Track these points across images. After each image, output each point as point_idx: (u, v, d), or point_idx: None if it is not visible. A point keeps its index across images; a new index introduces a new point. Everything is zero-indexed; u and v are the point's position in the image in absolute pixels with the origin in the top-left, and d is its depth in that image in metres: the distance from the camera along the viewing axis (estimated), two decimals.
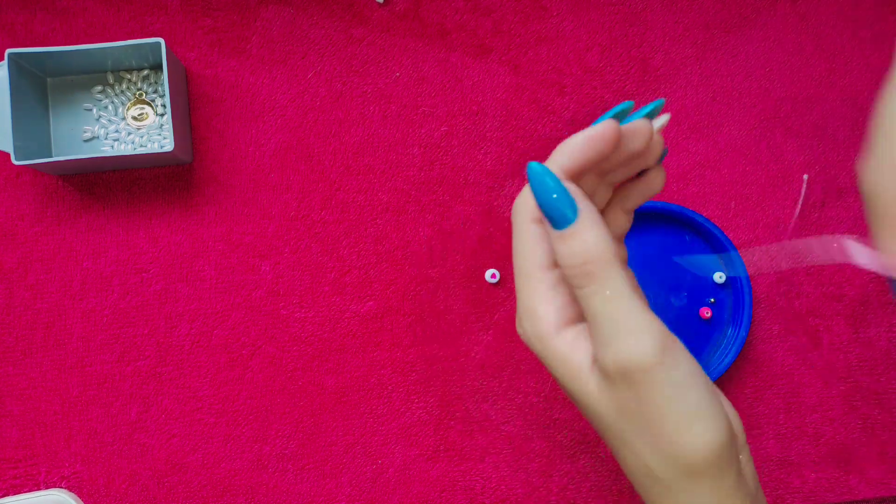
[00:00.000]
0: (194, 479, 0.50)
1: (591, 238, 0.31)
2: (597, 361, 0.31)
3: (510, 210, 0.52)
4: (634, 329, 0.30)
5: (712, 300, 0.52)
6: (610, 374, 0.31)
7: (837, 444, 0.52)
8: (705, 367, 0.51)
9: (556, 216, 0.31)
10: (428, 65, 0.53)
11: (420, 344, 0.52)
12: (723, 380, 0.52)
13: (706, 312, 0.51)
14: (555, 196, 0.31)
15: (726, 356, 0.50)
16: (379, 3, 0.53)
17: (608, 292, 0.30)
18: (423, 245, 0.52)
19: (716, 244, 0.51)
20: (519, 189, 0.52)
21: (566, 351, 0.32)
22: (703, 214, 0.52)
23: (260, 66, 0.52)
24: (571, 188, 0.31)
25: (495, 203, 0.52)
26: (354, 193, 0.52)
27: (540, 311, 0.33)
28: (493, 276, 0.52)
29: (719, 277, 0.51)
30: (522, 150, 0.53)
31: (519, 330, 0.34)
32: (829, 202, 0.53)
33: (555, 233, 0.31)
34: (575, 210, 0.31)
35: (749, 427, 0.52)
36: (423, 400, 0.51)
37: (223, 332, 0.51)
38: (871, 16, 0.54)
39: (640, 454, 0.31)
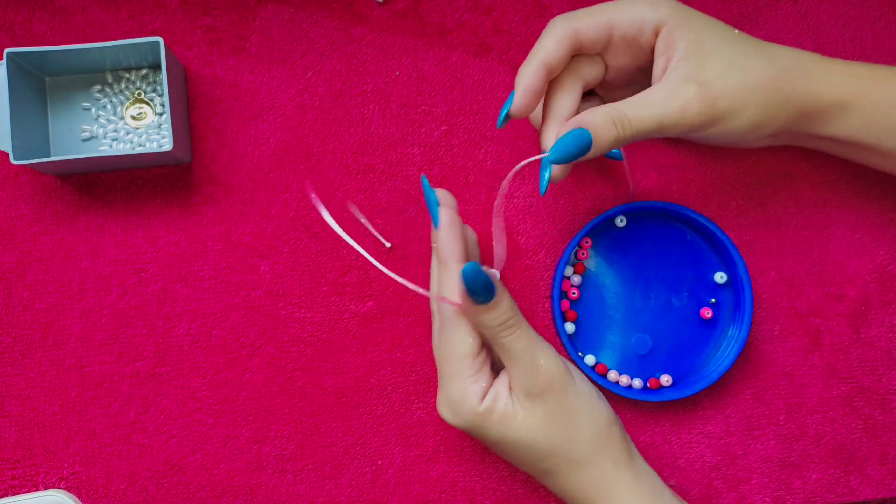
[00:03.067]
0: (193, 480, 0.50)
1: (507, 302, 0.42)
2: (518, 391, 0.42)
3: (511, 211, 0.52)
4: (546, 353, 0.42)
5: (713, 300, 0.51)
6: (536, 392, 0.42)
7: (838, 445, 0.52)
8: (706, 367, 0.51)
9: (486, 297, 0.41)
10: (428, 64, 0.53)
11: (420, 344, 0.51)
12: (724, 380, 0.51)
13: (707, 312, 0.51)
14: (485, 285, 0.40)
15: (727, 356, 0.50)
16: (378, 2, 0.53)
17: (524, 333, 0.42)
18: (424, 245, 0.52)
19: (716, 244, 0.51)
20: (520, 189, 0.52)
21: (491, 408, 0.42)
22: (704, 214, 0.52)
23: (259, 65, 0.52)
24: (487, 271, 0.41)
25: (495, 203, 0.52)
26: (354, 193, 0.52)
27: (469, 391, 0.42)
28: (493, 276, 0.51)
29: (720, 278, 0.51)
30: (523, 149, 0.52)
31: (447, 414, 0.43)
32: (831, 201, 0.53)
33: (482, 307, 0.41)
34: (494, 288, 0.41)
35: (750, 428, 0.51)
36: (424, 401, 0.51)
37: (222, 333, 0.51)
38: (871, 16, 0.54)
39: (564, 452, 0.42)
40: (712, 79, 0.42)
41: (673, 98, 0.42)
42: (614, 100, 0.47)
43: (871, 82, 0.44)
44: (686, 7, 0.44)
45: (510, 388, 0.43)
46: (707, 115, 0.42)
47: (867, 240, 0.53)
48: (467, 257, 0.43)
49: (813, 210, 0.53)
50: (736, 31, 0.45)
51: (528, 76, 0.43)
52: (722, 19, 0.53)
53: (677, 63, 0.43)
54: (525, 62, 0.44)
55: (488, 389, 0.43)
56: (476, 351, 0.43)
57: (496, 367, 0.45)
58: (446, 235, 0.43)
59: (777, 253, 0.53)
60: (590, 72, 0.45)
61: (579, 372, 0.45)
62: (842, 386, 0.52)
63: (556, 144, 0.41)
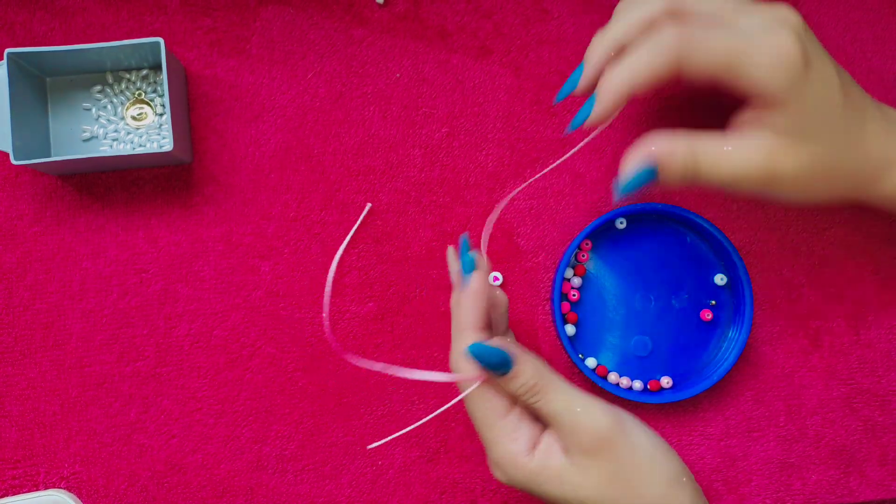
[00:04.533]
0: (193, 480, 0.50)
1: (529, 369, 0.40)
2: (570, 451, 0.40)
3: (511, 213, 0.52)
4: (590, 409, 0.40)
5: (713, 302, 0.51)
6: (589, 450, 0.39)
7: (838, 446, 0.52)
8: (706, 369, 0.51)
9: (503, 370, 0.40)
10: (428, 66, 0.53)
11: (421, 346, 0.51)
12: (723, 382, 0.52)
13: (707, 314, 0.51)
14: (499, 361, 0.40)
15: (727, 358, 0.50)
16: (379, 4, 0.53)
17: (557, 394, 0.40)
18: (424, 246, 0.52)
19: (716, 245, 0.51)
20: (521, 191, 0.52)
21: (544, 465, 0.40)
22: (705, 216, 0.52)
23: (259, 66, 0.52)
24: (498, 343, 0.41)
25: (496, 205, 0.52)
26: (354, 194, 0.52)
27: (513, 449, 0.40)
28: (496, 279, 0.52)
29: (720, 280, 0.51)
30: (524, 151, 0.52)
31: (500, 475, 0.42)
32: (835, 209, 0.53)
33: (505, 378, 0.40)
34: (511, 358, 0.40)
35: (750, 429, 0.52)
36: (424, 401, 0.51)
37: (223, 333, 0.51)
38: (871, 18, 0.54)
39: None
40: (790, 167, 0.42)
41: (747, 166, 0.42)
42: None
43: None
44: (806, 77, 0.40)
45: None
46: (769, 192, 0.43)
47: (867, 241, 0.53)
48: (487, 324, 0.42)
49: (813, 212, 0.53)
50: (846, 108, 0.42)
51: (600, 55, 0.42)
52: None
53: (768, 128, 0.42)
54: (598, 37, 0.43)
55: (538, 440, 0.41)
56: (506, 409, 0.41)
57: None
58: (470, 303, 0.42)
59: (777, 255, 0.53)
60: None
61: (638, 422, 0.42)
62: (841, 387, 0.52)
63: (625, 184, 0.42)
